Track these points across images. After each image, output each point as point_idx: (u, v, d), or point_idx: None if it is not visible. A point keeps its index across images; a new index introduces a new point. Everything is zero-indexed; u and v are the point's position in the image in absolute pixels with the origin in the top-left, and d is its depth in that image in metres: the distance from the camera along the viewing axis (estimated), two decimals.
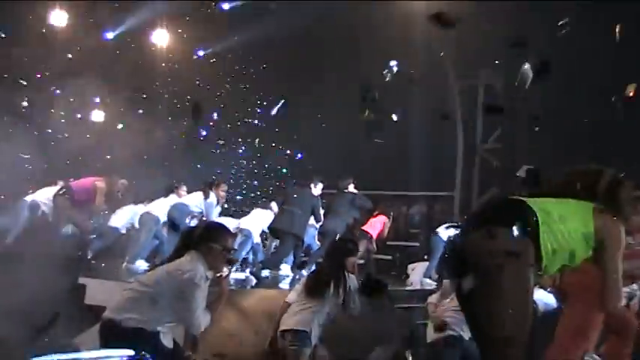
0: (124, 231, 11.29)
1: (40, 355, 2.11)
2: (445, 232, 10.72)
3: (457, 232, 3.37)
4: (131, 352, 2.38)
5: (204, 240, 4.53)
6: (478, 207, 3.61)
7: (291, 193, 10.22)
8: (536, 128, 12.32)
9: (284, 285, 9.16)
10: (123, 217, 11.10)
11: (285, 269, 10.50)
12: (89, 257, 9.69)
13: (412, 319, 7.96)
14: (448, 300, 6.24)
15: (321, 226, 10.62)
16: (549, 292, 5.52)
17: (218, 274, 4.58)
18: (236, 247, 10.69)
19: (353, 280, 5.67)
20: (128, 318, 4.23)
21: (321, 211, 10.46)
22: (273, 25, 14.78)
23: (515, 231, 3.18)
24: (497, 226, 3.20)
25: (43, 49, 13.37)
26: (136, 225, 10.91)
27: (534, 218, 3.23)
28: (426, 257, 12.12)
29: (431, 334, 6.32)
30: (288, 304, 5.61)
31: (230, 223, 10.73)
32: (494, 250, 3.13)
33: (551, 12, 11.33)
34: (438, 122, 13.70)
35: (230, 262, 4.66)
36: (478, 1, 12.55)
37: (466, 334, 5.98)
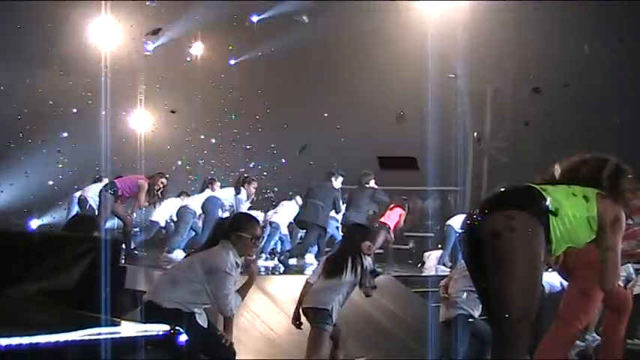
0: (163, 224, 11.51)
1: (84, 328, 2.08)
2: (457, 223, 10.73)
3: (473, 214, 3.31)
4: (166, 328, 2.36)
5: (234, 229, 4.54)
6: (493, 193, 3.60)
7: (314, 187, 10.18)
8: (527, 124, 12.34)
9: (309, 272, 9.10)
10: (163, 212, 11.25)
11: (310, 258, 10.51)
12: (132, 247, 9.69)
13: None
14: (457, 279, 6.21)
15: (343, 218, 10.58)
16: (553, 271, 5.48)
17: (248, 260, 4.61)
18: (265, 237, 10.94)
19: (369, 262, 5.63)
20: (166, 300, 4.29)
21: (342, 204, 10.41)
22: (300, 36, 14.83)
23: (529, 214, 3.16)
24: (511, 209, 3.18)
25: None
26: (174, 218, 11.01)
27: (545, 203, 3.20)
28: (440, 246, 12.14)
29: (443, 314, 6.31)
30: (310, 284, 5.57)
31: (259, 216, 10.78)
32: (508, 231, 3.11)
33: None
34: (449, 123, 13.56)
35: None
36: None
37: (476, 313, 5.98)
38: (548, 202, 3.21)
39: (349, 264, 5.48)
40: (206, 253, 4.53)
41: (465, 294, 6.03)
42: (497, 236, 3.13)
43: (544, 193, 3.26)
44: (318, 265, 5.85)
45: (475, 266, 3.32)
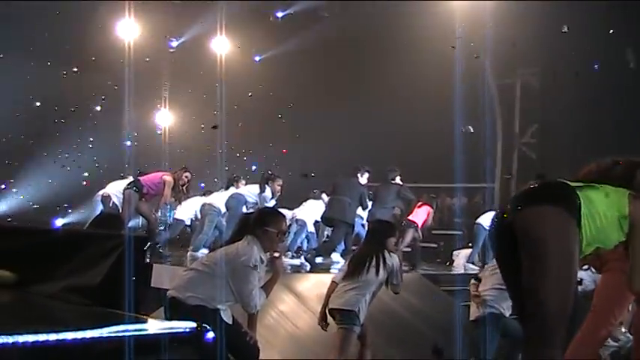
0: (188, 222, 11.51)
1: (109, 325, 2.09)
2: (486, 221, 10.60)
3: (505, 210, 3.27)
4: (193, 325, 2.36)
5: (260, 224, 4.55)
6: (525, 188, 3.56)
7: (340, 183, 10.11)
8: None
9: (335, 270, 9.07)
10: (187, 210, 11.28)
11: (336, 256, 10.47)
12: (157, 246, 9.74)
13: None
14: (488, 277, 6.17)
15: (368, 215, 10.51)
16: (587, 269, 5.42)
17: (273, 256, 4.61)
18: (291, 235, 10.96)
19: (395, 259, 5.60)
20: (190, 296, 4.30)
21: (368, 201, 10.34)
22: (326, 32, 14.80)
23: (563, 210, 3.11)
24: (545, 204, 3.14)
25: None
26: (199, 216, 11.02)
27: (578, 201, 3.15)
28: (469, 244, 12.11)
29: (473, 312, 6.26)
30: (336, 283, 5.55)
31: (286, 213, 10.75)
32: (543, 227, 3.07)
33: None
34: (479, 120, 13.55)
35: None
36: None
37: (507, 311, 5.92)
38: (580, 201, 3.16)
39: (374, 262, 5.45)
40: (230, 248, 4.53)
41: (496, 292, 5.94)
42: (531, 233, 3.07)
43: (577, 190, 3.21)
44: (345, 263, 5.82)
45: (507, 264, 3.28)
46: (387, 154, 13.15)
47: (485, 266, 7.34)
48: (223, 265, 4.35)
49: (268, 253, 4.57)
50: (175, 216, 11.36)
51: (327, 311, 5.51)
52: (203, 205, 10.83)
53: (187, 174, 9.77)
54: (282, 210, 10.35)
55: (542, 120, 14.99)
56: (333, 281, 5.59)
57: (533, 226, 3.09)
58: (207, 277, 4.38)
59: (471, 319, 6.32)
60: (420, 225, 11.21)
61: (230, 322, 4.43)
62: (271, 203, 10.53)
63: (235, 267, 4.35)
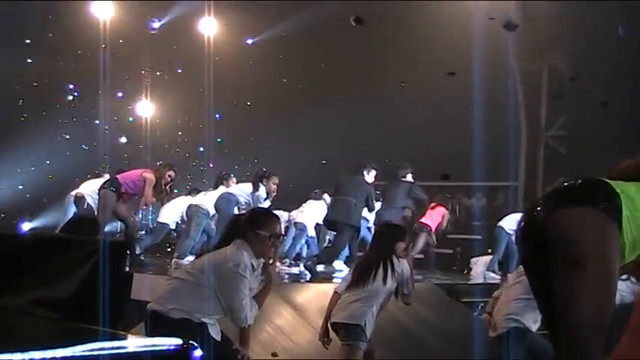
0: (173, 226, 11.46)
1: (83, 343, 2.07)
2: (509, 224, 10.61)
3: (534, 211, 3.20)
4: (178, 341, 2.33)
5: (251, 227, 4.50)
6: (557, 187, 3.49)
7: (343, 182, 9.96)
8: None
9: (338, 280, 9.05)
10: (172, 212, 11.23)
11: (339, 265, 10.44)
12: (137, 253, 9.70)
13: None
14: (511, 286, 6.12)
15: (376, 217, 10.46)
16: (627, 279, 5.36)
17: (266, 262, 4.58)
18: (289, 239, 10.91)
19: (405, 266, 5.56)
20: (173, 308, 4.26)
21: (375, 201, 10.26)
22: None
23: (603, 211, 3.03)
24: (582, 205, 3.06)
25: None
26: (185, 219, 10.97)
27: (619, 202, 3.08)
28: (489, 250, 12.03)
29: (494, 327, 6.18)
30: (339, 294, 5.52)
31: (283, 216, 10.82)
32: (580, 230, 2.99)
33: None
34: (500, 109, 13.51)
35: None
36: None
37: (534, 326, 5.87)
38: (622, 200, 3.07)
39: (381, 270, 5.43)
40: (217, 253, 4.49)
41: (521, 303, 5.88)
42: (566, 236, 3.00)
43: (617, 189, 3.17)
44: (349, 271, 5.81)
45: (536, 272, 3.20)
46: (397, 149, 13.10)
47: (508, 275, 7.30)
48: (210, 272, 4.31)
49: (261, 260, 4.54)
50: (158, 219, 11.35)
51: (329, 325, 5.48)
52: (189, 207, 10.77)
53: (171, 172, 9.70)
54: (278, 212, 10.50)
55: (572, 110, 14.82)
56: (335, 292, 5.57)
57: (568, 229, 3.00)
58: (192, 286, 4.35)
59: (491, 334, 6.25)
60: (433, 228, 11.15)
61: (219, 338, 4.40)
62: (266, 204, 10.48)
63: (223, 274, 4.31)
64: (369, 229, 11.07)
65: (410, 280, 5.62)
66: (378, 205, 10.38)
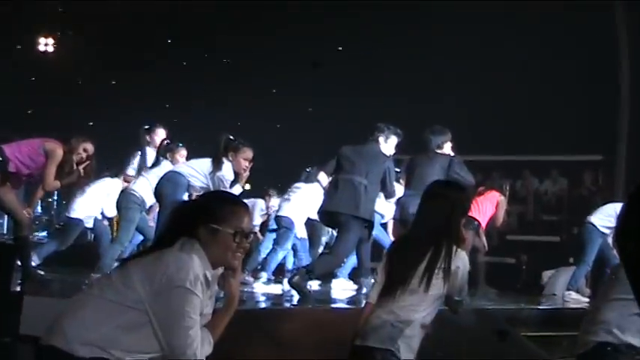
0: (90, 224, 11.46)
1: None
2: (603, 219, 10.81)
3: None
4: None
5: (205, 219, 4.29)
6: None
7: (347, 154, 9.82)
8: None
9: (342, 303, 9.48)
10: (89, 204, 11.26)
11: (340, 283, 10.65)
12: (34, 264, 9.54)
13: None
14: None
15: (398, 207, 10.19)
16: None
17: (227, 273, 4.42)
18: (267, 240, 10.73)
19: (463, 259, 5.42)
20: (80, 344, 4.05)
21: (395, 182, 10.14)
22: None
23: None
24: None
25: None
26: (109, 213, 11.14)
27: None
28: (571, 260, 12.16)
29: (582, 342, 5.91)
30: (372, 305, 5.49)
31: (258, 204, 11.60)
32: None
33: None
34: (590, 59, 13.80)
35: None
36: None
37: (636, 340, 5.66)
38: None
39: (440, 260, 5.34)
40: (152, 259, 4.26)
41: (617, 310, 5.65)
42: None
43: None
44: (381, 268, 5.70)
45: None
46: (427, 110, 13.27)
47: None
48: (139, 286, 4.11)
49: (219, 270, 4.38)
50: (68, 213, 11.37)
51: (355, 351, 5.44)
52: (119, 196, 10.66)
53: (87, 145, 9.49)
54: (250, 200, 10.20)
55: None
56: (368, 302, 5.60)
57: None
58: (111, 309, 4.12)
59: (579, 352, 5.99)
60: (484, 225, 11.27)
61: None
62: (235, 189, 10.20)
63: (160, 290, 4.09)
64: (384, 227, 11.13)
65: (464, 279, 5.59)
66: (399, 190, 10.20)
